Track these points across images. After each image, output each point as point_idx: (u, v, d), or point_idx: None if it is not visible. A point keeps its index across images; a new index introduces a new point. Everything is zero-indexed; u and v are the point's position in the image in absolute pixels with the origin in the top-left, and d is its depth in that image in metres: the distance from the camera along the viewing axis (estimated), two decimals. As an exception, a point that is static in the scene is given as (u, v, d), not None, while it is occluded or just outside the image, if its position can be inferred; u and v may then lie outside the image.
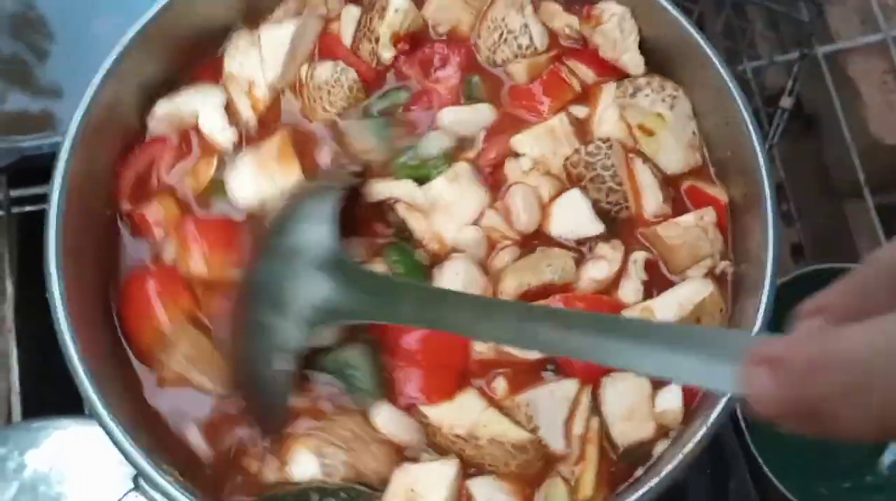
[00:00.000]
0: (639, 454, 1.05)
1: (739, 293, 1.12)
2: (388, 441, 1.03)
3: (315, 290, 0.99)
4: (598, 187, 1.11)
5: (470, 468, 1.02)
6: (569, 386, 1.05)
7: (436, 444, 1.03)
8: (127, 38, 1.16)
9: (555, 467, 1.04)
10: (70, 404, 1.51)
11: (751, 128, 1.10)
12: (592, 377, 1.06)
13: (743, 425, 1.38)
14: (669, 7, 1.16)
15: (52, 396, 1.51)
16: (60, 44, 1.58)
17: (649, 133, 1.15)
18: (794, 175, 1.81)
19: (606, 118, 1.17)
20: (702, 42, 1.14)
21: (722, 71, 1.13)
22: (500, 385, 1.06)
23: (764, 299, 1.04)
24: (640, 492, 0.97)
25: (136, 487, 1.01)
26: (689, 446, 0.99)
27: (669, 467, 0.98)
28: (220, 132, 1.20)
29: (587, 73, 1.21)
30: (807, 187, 1.86)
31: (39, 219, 1.52)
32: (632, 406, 1.04)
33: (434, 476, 1.00)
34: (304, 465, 1.02)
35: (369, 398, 1.05)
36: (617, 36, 1.18)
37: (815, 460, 1.47)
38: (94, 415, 1.02)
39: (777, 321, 0.97)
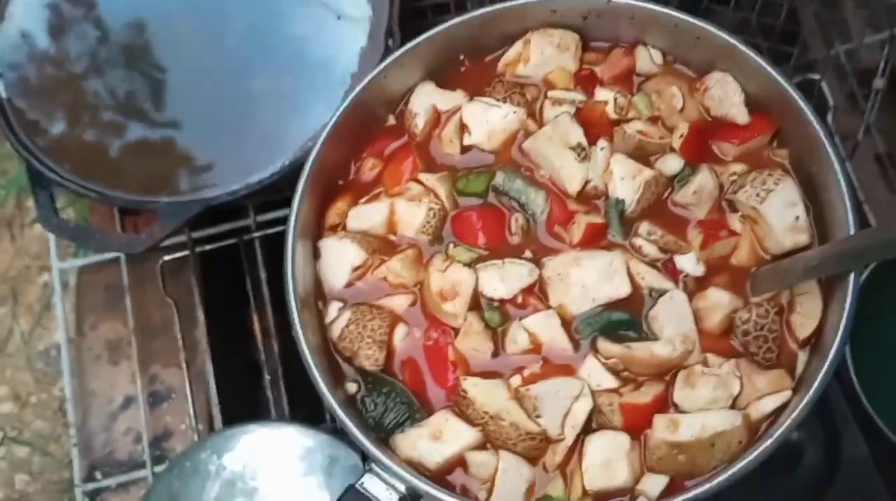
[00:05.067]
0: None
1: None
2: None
3: None
4: (759, 345, 1.18)
5: (487, 441, 1.17)
6: (573, 385, 1.17)
7: (468, 415, 1.17)
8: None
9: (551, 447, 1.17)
10: (253, 410, 1.69)
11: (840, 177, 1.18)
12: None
13: (855, 381, 1.37)
14: (763, 62, 1.25)
15: (241, 405, 1.67)
16: (193, 68, 1.63)
17: (753, 221, 1.23)
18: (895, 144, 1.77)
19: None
20: (788, 87, 1.24)
21: (814, 121, 1.21)
22: (516, 379, 1.19)
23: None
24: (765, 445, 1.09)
25: (370, 470, 1.13)
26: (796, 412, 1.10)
27: (780, 431, 1.09)
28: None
29: (728, 148, 1.29)
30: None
31: (216, 255, 1.71)
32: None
33: (461, 433, 1.16)
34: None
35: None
36: (721, 94, 1.29)
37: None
38: (340, 425, 1.16)
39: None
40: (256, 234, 1.66)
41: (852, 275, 1.13)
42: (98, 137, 1.58)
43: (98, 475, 1.63)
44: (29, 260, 2.19)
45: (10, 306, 2.15)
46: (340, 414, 1.14)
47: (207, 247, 1.67)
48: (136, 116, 1.59)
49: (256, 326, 1.64)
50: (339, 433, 1.31)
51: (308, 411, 1.53)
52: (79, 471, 1.62)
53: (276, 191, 1.52)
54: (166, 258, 1.66)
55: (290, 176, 1.33)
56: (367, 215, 1.28)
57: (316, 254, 1.28)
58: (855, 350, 1.36)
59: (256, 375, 1.68)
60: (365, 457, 1.15)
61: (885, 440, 1.33)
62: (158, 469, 1.58)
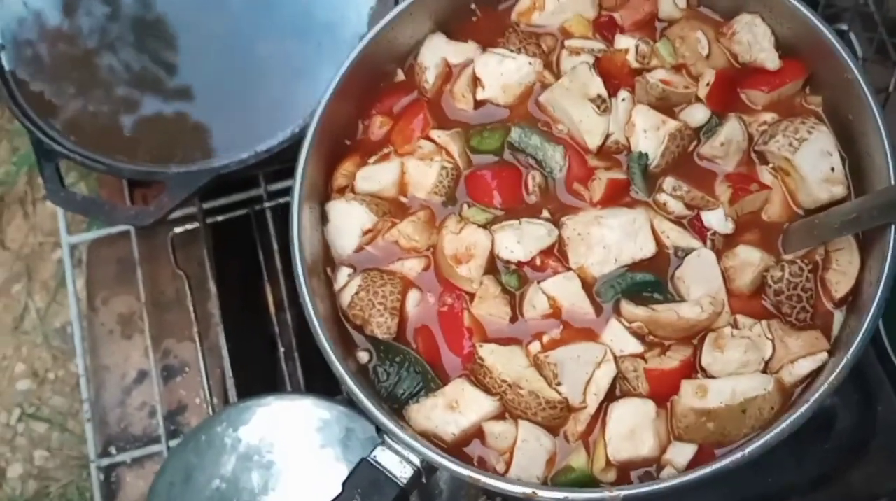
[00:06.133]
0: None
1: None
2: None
3: None
4: (792, 305, 1.11)
5: (505, 411, 1.10)
6: (595, 351, 1.10)
7: (485, 384, 1.10)
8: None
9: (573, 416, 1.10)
10: (268, 383, 1.63)
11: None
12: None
13: (887, 342, 1.29)
14: (795, 2, 1.17)
15: (255, 378, 1.62)
16: (199, 36, 1.57)
17: (786, 173, 1.15)
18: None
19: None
20: (823, 28, 1.16)
21: (851, 64, 1.12)
22: (535, 345, 1.12)
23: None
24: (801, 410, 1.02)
25: (383, 442, 1.07)
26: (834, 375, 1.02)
27: (816, 396, 1.02)
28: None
29: (757, 96, 1.21)
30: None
31: (227, 226, 1.66)
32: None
33: (478, 403, 1.09)
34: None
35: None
36: (750, 39, 1.20)
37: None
38: (350, 395, 1.09)
39: None
40: (268, 204, 1.61)
41: (893, 228, 1.04)
42: (109, 110, 1.53)
43: (113, 450, 1.59)
44: (43, 236, 2.16)
45: (25, 283, 2.11)
46: (351, 384, 1.07)
47: (219, 219, 1.63)
48: (149, 87, 1.54)
49: (270, 298, 1.59)
50: (355, 405, 1.24)
51: (324, 383, 1.48)
52: (93, 447, 1.57)
53: (286, 160, 1.44)
54: (177, 230, 1.61)
55: (299, 143, 1.26)
56: (377, 176, 1.21)
57: (324, 219, 1.21)
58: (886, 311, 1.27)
59: (271, 348, 1.63)
60: (378, 429, 1.08)
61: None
62: (173, 443, 1.54)
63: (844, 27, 1.59)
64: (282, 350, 1.58)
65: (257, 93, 1.50)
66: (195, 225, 1.60)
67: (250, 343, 1.66)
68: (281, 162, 1.48)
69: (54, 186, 1.48)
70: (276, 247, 1.57)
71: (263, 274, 1.60)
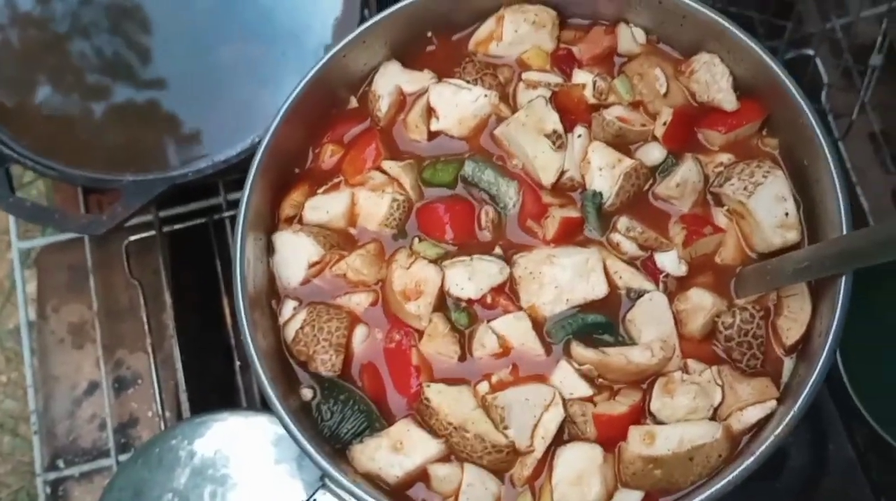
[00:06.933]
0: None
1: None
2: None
3: None
4: (743, 352, 1.08)
5: (451, 454, 1.07)
6: (544, 393, 1.07)
7: (431, 425, 1.07)
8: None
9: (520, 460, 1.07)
10: (225, 398, 1.59)
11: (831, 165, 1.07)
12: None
13: (846, 379, 1.27)
14: (753, 45, 1.13)
15: (210, 392, 1.58)
16: (160, 36, 1.51)
17: (740, 216, 1.12)
18: (892, 123, 1.64)
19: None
20: (779, 72, 1.12)
21: (806, 108, 1.10)
22: (483, 386, 1.09)
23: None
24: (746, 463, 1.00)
25: (324, 486, 1.04)
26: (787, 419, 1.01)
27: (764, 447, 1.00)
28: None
29: (714, 137, 1.18)
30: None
31: (184, 235, 1.61)
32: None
33: (423, 445, 1.06)
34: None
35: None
36: (708, 79, 1.17)
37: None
38: (291, 437, 1.05)
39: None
40: (227, 214, 1.56)
41: (844, 279, 1.02)
42: (64, 114, 1.48)
43: (61, 463, 1.54)
44: (-4, 235, 2.08)
45: (-22, 283, 2.04)
46: (291, 426, 1.03)
47: (176, 227, 1.58)
48: (102, 96, 1.48)
49: (227, 310, 1.54)
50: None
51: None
52: (40, 460, 1.53)
53: (245, 170, 1.40)
54: (132, 238, 1.56)
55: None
56: (326, 206, 1.16)
57: (270, 250, 1.16)
58: (843, 348, 1.25)
59: (227, 361, 1.58)
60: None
61: (877, 441, 1.23)
62: (123, 457, 1.49)
63: (811, 52, 1.56)
64: (238, 363, 1.53)
65: (219, 100, 1.46)
66: (151, 233, 1.55)
67: (206, 355, 1.61)
68: (240, 171, 1.40)
69: (3, 191, 1.42)
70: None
71: (221, 286, 1.55)
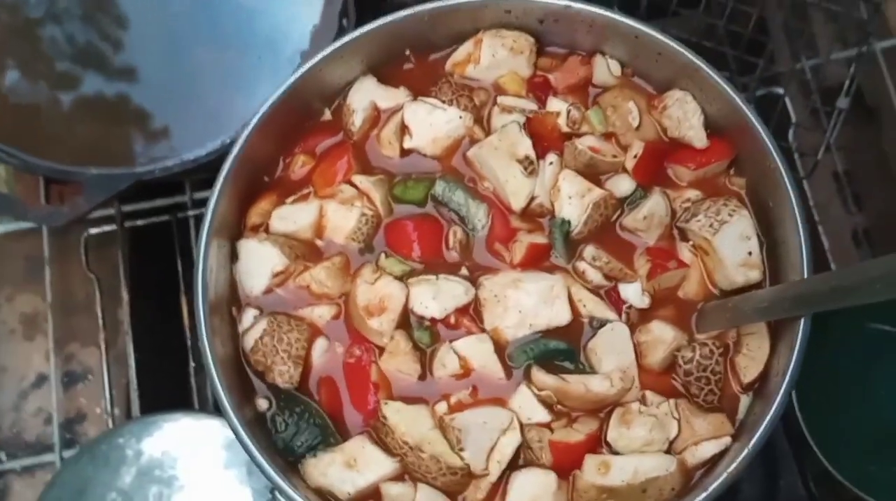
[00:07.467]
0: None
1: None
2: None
3: None
4: (700, 387, 1.08)
5: (405, 473, 1.06)
6: (501, 417, 1.06)
7: (386, 443, 1.06)
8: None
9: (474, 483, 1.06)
10: (177, 398, 1.56)
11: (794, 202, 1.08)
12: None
13: (801, 419, 1.28)
14: (725, 86, 1.13)
15: (163, 391, 1.55)
16: (135, 32, 1.48)
17: (705, 252, 1.12)
18: (855, 163, 1.67)
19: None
20: (749, 115, 1.12)
21: (773, 152, 1.10)
22: (442, 406, 1.08)
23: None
24: (699, 498, 1.01)
25: (273, 499, 1.03)
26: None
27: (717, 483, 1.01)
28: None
29: (683, 172, 1.18)
30: (868, 175, 1.71)
31: (146, 231, 1.58)
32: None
33: (377, 462, 1.05)
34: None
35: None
36: (680, 115, 1.17)
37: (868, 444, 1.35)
38: (243, 448, 1.04)
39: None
40: (192, 212, 1.53)
41: (802, 321, 1.02)
42: (31, 102, 1.44)
43: (3, 456, 1.50)
44: (-46, 218, 2.03)
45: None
46: (243, 435, 1.01)
47: (139, 223, 1.55)
48: (72, 86, 1.44)
49: (185, 310, 1.50)
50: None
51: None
52: (-18, 452, 1.49)
53: (214, 170, 1.38)
54: (92, 231, 1.53)
55: (226, 155, 1.20)
56: (294, 216, 1.15)
57: (234, 256, 1.14)
58: (799, 388, 1.26)
59: (182, 361, 1.55)
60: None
61: (828, 478, 1.24)
62: (67, 453, 1.45)
63: (780, 90, 1.57)
64: (192, 364, 1.50)
65: (190, 99, 1.43)
66: (112, 227, 1.52)
67: (161, 354, 1.58)
68: (209, 170, 1.39)
69: (-44, 177, 1.39)
70: (197, 256, 1.49)
71: (181, 285, 1.52)
